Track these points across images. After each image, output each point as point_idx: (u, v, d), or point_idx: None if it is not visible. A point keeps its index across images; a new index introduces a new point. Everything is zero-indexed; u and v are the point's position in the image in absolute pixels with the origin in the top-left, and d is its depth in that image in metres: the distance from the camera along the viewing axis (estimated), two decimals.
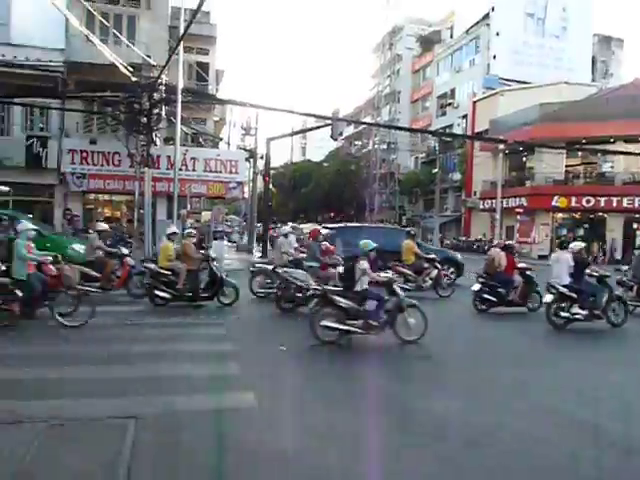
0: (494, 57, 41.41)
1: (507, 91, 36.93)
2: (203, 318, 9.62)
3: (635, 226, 30.08)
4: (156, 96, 17.36)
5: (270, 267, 11.44)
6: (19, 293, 7.96)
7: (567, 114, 28.87)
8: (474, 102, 39.28)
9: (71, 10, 17.40)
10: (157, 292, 10.19)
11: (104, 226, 12.02)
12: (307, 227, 34.48)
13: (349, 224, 24.05)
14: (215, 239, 21.04)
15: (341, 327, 7.56)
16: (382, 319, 7.68)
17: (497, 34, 41.32)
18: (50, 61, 20.06)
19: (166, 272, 10.23)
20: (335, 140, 25.43)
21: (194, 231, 12.01)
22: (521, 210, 31.24)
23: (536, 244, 30.89)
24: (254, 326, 9.44)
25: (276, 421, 4.80)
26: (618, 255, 28.64)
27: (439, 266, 13.23)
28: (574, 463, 4.14)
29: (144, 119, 17.84)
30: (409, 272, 12.73)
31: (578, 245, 10.12)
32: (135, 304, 10.45)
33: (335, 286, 9.48)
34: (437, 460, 4.12)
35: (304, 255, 11.50)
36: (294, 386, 5.80)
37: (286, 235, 12.05)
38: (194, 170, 22.68)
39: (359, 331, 7.61)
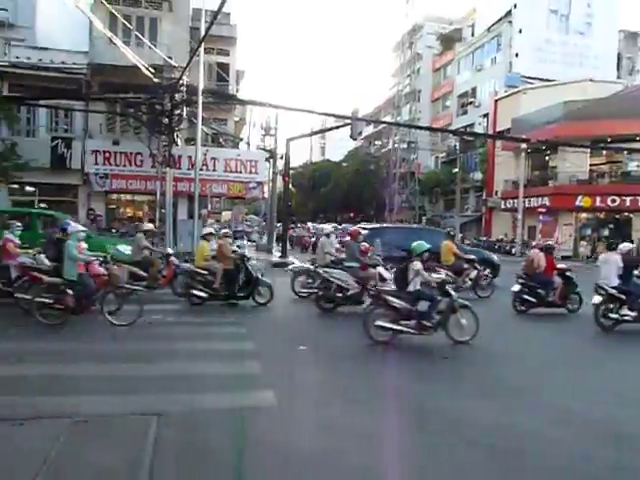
0: (516, 55, 40.86)
1: (530, 89, 36.37)
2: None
3: None
4: (177, 97, 17.55)
5: (312, 267, 11.50)
6: (70, 292, 8.14)
7: (592, 112, 28.32)
8: (496, 101, 38.81)
9: (95, 13, 17.69)
10: (194, 291, 10.36)
11: (150, 226, 12.30)
12: (326, 227, 34.55)
13: (385, 224, 23.95)
14: (235, 239, 21.18)
15: (395, 327, 7.64)
16: (435, 320, 7.72)
17: (519, 31, 40.75)
18: (74, 63, 20.43)
19: (203, 272, 10.41)
20: (354, 140, 25.35)
21: (229, 231, 12.20)
22: (544, 210, 30.76)
23: (559, 245, 30.39)
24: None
25: (296, 420, 4.80)
26: None
27: (478, 267, 13.11)
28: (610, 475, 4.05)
29: (166, 120, 18.05)
30: (449, 273, 12.65)
31: (627, 246, 10.04)
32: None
33: (375, 286, 9.65)
34: (459, 463, 4.08)
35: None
36: (314, 385, 5.81)
37: (328, 235, 12.04)
38: (214, 170, 22.86)
39: (412, 331, 7.65)
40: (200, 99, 16.41)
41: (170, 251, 11.95)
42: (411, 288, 7.76)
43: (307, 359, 6.96)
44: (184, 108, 18.09)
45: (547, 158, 33.99)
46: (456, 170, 39.64)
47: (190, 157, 20.48)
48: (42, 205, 20.54)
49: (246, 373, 6.08)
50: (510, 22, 41.20)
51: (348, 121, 19.23)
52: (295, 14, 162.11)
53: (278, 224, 26.95)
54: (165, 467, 3.77)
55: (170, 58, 19.30)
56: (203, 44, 14.88)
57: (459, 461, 4.11)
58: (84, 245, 8.98)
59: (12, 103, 18.36)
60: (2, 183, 19.19)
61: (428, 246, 8.11)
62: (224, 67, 26.11)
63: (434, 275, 8.16)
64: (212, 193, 22.49)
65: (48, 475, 3.56)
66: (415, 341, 7.99)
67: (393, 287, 8.50)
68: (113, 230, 20.98)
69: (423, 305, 7.69)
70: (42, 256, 9.49)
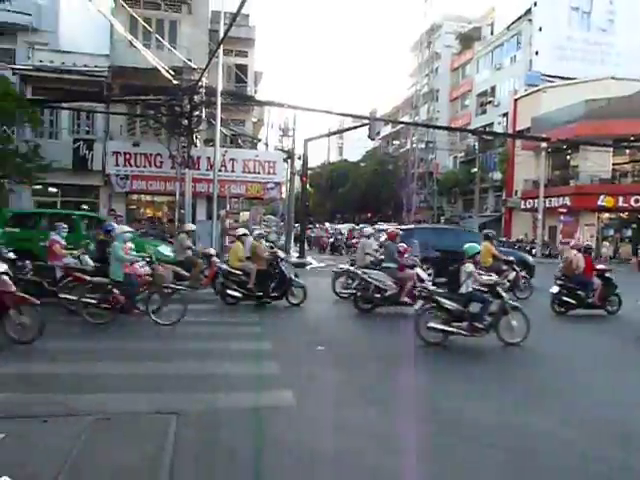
0: (536, 53, 40.32)
1: (550, 88, 35.87)
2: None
3: None
4: (196, 99, 17.69)
5: (351, 268, 11.54)
6: (116, 292, 8.31)
7: (614, 110, 27.83)
8: (515, 100, 38.37)
9: (116, 16, 17.93)
10: (229, 291, 10.51)
11: (192, 227, 12.51)
12: (344, 227, 34.55)
13: (421, 225, 23.81)
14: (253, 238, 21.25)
15: (447, 329, 7.67)
16: (487, 321, 7.73)
17: (540, 29, 40.20)
18: (96, 66, 20.78)
19: (237, 272, 10.55)
20: (372, 140, 25.31)
21: (264, 232, 12.34)
22: (564, 210, 30.33)
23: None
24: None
25: (314, 420, 4.82)
26: None
27: (517, 268, 13.01)
28: None
29: (185, 121, 18.22)
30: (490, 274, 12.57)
31: None
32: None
33: (414, 287, 9.91)
34: (475, 465, 4.05)
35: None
36: (333, 385, 5.81)
37: (368, 236, 12.06)
38: (233, 171, 23.01)
39: (464, 333, 7.68)
40: (219, 100, 16.52)
41: (212, 251, 12.09)
42: (463, 290, 7.80)
43: (328, 359, 6.96)
44: (203, 109, 18.23)
45: (568, 157, 33.50)
46: (475, 170, 39.31)
47: (209, 158, 20.64)
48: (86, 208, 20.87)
49: (266, 373, 6.11)
50: (530, 20, 40.68)
51: (366, 121, 19.21)
52: (313, 15, 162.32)
53: (296, 224, 27.04)
54: (185, 466, 3.81)
55: (189, 60, 19.47)
56: (222, 46, 14.99)
57: (476, 464, 4.08)
58: (130, 245, 9.17)
59: (36, 106, 18.71)
60: (26, 184, 19.56)
61: (479, 248, 8.21)
62: (242, 68, 26.26)
63: (485, 277, 8.09)
64: (230, 194, 22.60)
65: (70, 472, 3.62)
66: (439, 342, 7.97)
67: (432, 288, 8.68)
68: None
69: (475, 307, 7.71)
70: (86, 257, 9.78)
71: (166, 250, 13.23)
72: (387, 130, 58.65)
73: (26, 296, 6.97)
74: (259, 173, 23.61)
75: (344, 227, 34.69)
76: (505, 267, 12.77)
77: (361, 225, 36.08)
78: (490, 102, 44.30)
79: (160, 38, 19.51)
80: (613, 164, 31.02)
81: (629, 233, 29.92)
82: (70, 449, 3.90)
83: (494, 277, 8.29)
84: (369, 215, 54.85)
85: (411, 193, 49.71)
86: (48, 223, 13.23)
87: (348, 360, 6.99)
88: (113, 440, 4.19)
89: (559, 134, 26.65)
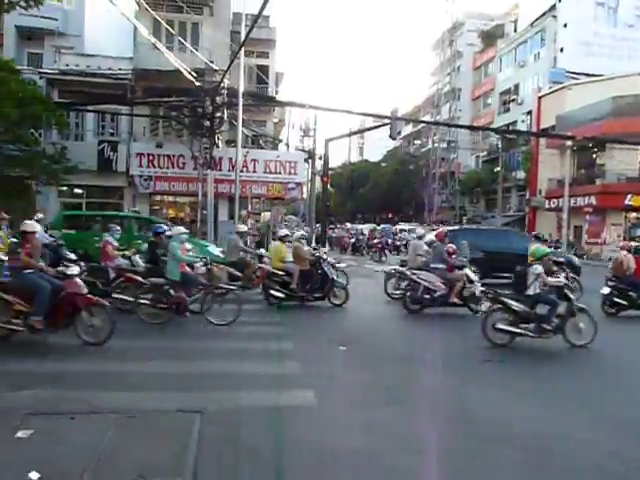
0: (561, 50, 39.66)
1: (575, 85, 35.23)
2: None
3: None
4: (218, 100, 17.83)
5: (402, 269, 11.53)
6: (173, 293, 8.43)
7: None
8: (539, 97, 37.78)
9: (139, 19, 18.18)
10: (271, 292, 10.63)
11: (244, 228, 12.66)
12: (365, 227, 34.45)
13: (467, 226, 23.64)
14: (274, 239, 21.35)
15: (514, 330, 7.68)
16: (554, 323, 7.72)
17: (564, 25, 39.52)
18: (120, 69, 21.10)
19: (280, 272, 10.66)
20: (394, 139, 25.17)
21: (306, 234, 12.46)
22: (590, 209, 29.75)
23: (607, 245, 29.34)
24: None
25: (336, 420, 4.81)
26: None
27: (567, 269, 12.85)
28: None
29: (207, 122, 18.37)
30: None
31: None
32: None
33: (463, 288, 10.04)
34: (496, 467, 4.00)
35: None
36: (355, 386, 5.80)
37: (420, 237, 12.03)
38: (254, 171, 23.13)
39: (531, 335, 7.67)
40: (240, 101, 16.62)
41: (264, 252, 12.21)
42: (531, 291, 7.78)
43: (354, 359, 6.96)
44: (225, 110, 18.37)
45: (594, 156, 32.85)
46: (498, 169, 38.84)
47: (231, 159, 20.78)
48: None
49: (291, 373, 6.15)
50: (554, 16, 40.04)
51: (387, 121, 19.12)
52: (334, 14, 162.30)
53: (317, 225, 27.05)
54: (208, 464, 3.84)
55: (211, 62, 19.63)
56: (243, 47, 15.07)
57: (497, 466, 4.05)
58: (188, 246, 9.34)
59: (62, 109, 19.07)
60: (53, 185, 19.97)
61: (548, 250, 8.26)
62: (264, 69, 26.37)
63: (551, 279, 8.03)
64: (252, 194, 22.74)
65: (96, 469, 3.67)
66: (460, 344, 7.92)
67: (482, 289, 9.25)
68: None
69: (542, 308, 7.70)
70: (137, 257, 9.97)
71: (215, 250, 13.45)
72: (408, 130, 58.29)
73: (97, 298, 7.07)
74: (280, 173, 23.68)
75: (365, 227, 34.58)
76: (555, 268, 12.55)
77: (382, 225, 35.93)
78: (513, 100, 43.73)
79: (182, 40, 19.73)
80: None
81: None
82: (96, 446, 3.96)
83: (562, 279, 8.22)
84: (390, 215, 54.64)
85: (432, 193, 49.37)
86: (102, 225, 13.62)
87: (374, 360, 6.96)
88: (138, 438, 4.23)
89: (585, 132, 26.16)
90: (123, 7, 15.04)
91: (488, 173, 43.78)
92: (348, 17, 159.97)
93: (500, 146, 40.83)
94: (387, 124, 19.01)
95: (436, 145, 51.50)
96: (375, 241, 25.88)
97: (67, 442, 4.05)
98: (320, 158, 24.54)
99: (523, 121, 41.65)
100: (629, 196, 28.88)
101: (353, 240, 29.84)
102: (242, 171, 20.19)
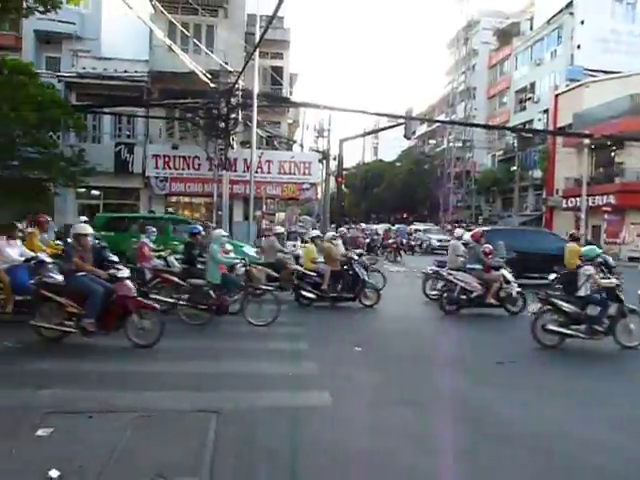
0: (578, 47, 39.14)
1: (593, 82, 34.75)
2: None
3: None
4: (233, 101, 17.94)
5: (439, 270, 11.49)
6: (213, 294, 8.51)
7: None
8: (556, 95, 37.34)
9: (155, 22, 18.36)
10: (303, 292, 10.69)
11: (281, 229, 12.72)
12: (380, 227, 34.36)
13: (500, 227, 23.49)
14: (289, 240, 21.41)
15: (565, 331, 7.66)
16: (605, 324, 7.68)
17: (582, 22, 38.99)
18: (136, 72, 21.33)
19: (311, 273, 10.73)
20: (408, 139, 25.11)
21: (338, 234, 12.55)
22: (609, 209, 29.32)
23: (626, 245, 28.90)
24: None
25: (351, 420, 4.82)
26: None
27: (605, 270, 12.70)
28: None
29: (222, 124, 18.50)
30: None
31: None
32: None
33: (500, 289, 10.09)
34: (512, 468, 3.98)
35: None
36: (371, 386, 5.79)
37: (459, 238, 12.02)
38: (269, 172, 23.23)
39: (582, 336, 7.64)
40: (255, 102, 16.71)
41: (301, 253, 12.27)
42: (582, 292, 7.75)
43: (372, 360, 6.96)
44: (239, 112, 18.48)
45: (613, 154, 32.38)
46: (514, 168, 38.47)
47: (245, 160, 20.90)
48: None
49: (313, 374, 6.17)
50: (571, 13, 39.53)
51: (402, 120, 19.09)
52: (348, 14, 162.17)
53: (332, 225, 27.07)
54: (225, 463, 3.86)
55: (226, 63, 19.76)
56: (258, 48, 15.14)
57: (513, 467, 4.02)
58: (229, 247, 9.49)
59: (80, 111, 19.34)
60: (71, 187, 20.26)
61: (599, 251, 8.25)
62: (278, 70, 26.46)
63: (604, 280, 7.97)
64: (267, 195, 22.86)
65: (114, 467, 3.72)
66: (482, 345, 7.93)
67: (518, 289, 9.77)
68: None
69: (592, 309, 7.66)
70: (172, 258, 10.10)
71: (250, 250, 13.60)
72: (423, 129, 57.99)
73: (147, 301, 7.14)
74: (295, 174, 23.75)
75: (380, 227, 34.49)
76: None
77: (397, 225, 35.79)
78: (529, 99, 43.26)
79: (197, 42, 19.89)
80: None
81: None
82: (114, 444, 4.01)
83: (614, 280, 8.13)
84: (404, 215, 54.43)
85: (448, 193, 49.07)
86: (139, 226, 13.95)
87: (392, 361, 6.95)
88: (154, 437, 4.27)
89: (603, 130, 25.79)
90: (139, 10, 15.19)
91: (504, 172, 43.38)
92: (362, 17, 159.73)
93: (516, 145, 40.43)
94: (402, 124, 18.99)
95: (451, 144, 51.18)
96: (390, 241, 25.80)
97: (86, 441, 4.10)
98: (334, 158, 24.60)
99: (539, 120, 41.22)
100: None
101: (368, 240, 29.77)
102: (257, 172, 20.30)
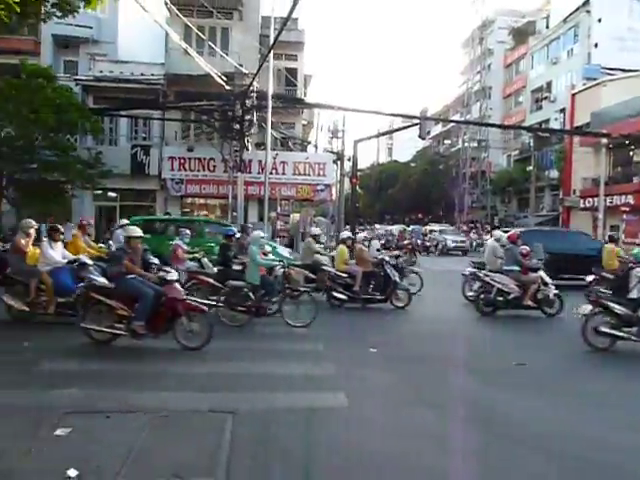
0: (595, 45, 38.63)
1: (610, 81, 34.25)
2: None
3: None
4: (248, 103, 18.03)
5: (477, 271, 11.44)
6: (252, 296, 8.57)
7: None
8: (573, 94, 36.87)
9: (170, 25, 18.52)
10: (334, 294, 10.71)
11: (318, 231, 12.82)
12: (395, 228, 34.25)
13: (535, 228, 23.33)
14: (302, 240, 21.43)
15: (617, 334, 7.61)
16: None
17: (599, 21, 38.48)
18: (152, 75, 21.53)
19: (343, 275, 10.75)
20: (423, 139, 25.00)
21: (369, 236, 12.61)
22: (628, 208, 28.87)
23: None
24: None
25: (368, 421, 4.82)
26: None
27: None
28: None
29: (237, 126, 18.61)
30: (611, 277, 12.11)
31: None
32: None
33: (538, 290, 10.10)
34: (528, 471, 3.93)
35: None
36: (388, 387, 5.79)
37: (498, 239, 11.92)
38: (284, 174, 23.29)
39: (634, 338, 7.58)
40: (269, 104, 16.77)
41: (335, 254, 12.33)
42: (634, 295, 7.70)
43: (389, 361, 6.96)
44: (254, 113, 18.56)
45: (631, 153, 31.88)
46: (530, 168, 38.09)
47: (260, 161, 20.99)
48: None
49: (326, 374, 6.19)
50: (588, 11, 39.03)
51: (416, 121, 19.00)
52: (362, 15, 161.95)
53: (346, 226, 27.03)
54: (241, 464, 3.87)
55: (241, 65, 19.87)
56: (272, 50, 15.19)
57: (529, 469, 3.98)
58: (268, 248, 9.55)
59: (97, 114, 19.58)
60: (88, 189, 20.51)
61: None
62: (292, 72, 26.55)
63: None
64: (281, 196, 22.92)
65: (132, 466, 3.75)
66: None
67: (555, 291, 9.91)
68: None
69: None
70: (206, 260, 10.23)
71: (284, 252, 13.71)
72: (438, 129, 57.72)
73: (196, 304, 7.20)
74: (309, 175, 23.78)
75: (395, 228, 34.37)
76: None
77: (412, 226, 35.64)
78: (546, 98, 42.79)
79: (213, 45, 20.03)
80: None
81: None
82: (131, 444, 4.04)
83: None
84: (419, 216, 54.18)
85: (463, 193, 48.72)
86: (175, 229, 14.11)
87: (408, 362, 6.93)
88: (171, 437, 4.30)
89: (620, 129, 25.40)
90: (155, 14, 15.34)
91: (520, 172, 42.96)
92: (376, 17, 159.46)
93: (532, 145, 40.03)
94: (416, 124, 18.91)
95: (466, 144, 50.81)
96: (405, 242, 25.68)
97: (103, 440, 4.15)
98: (349, 159, 24.54)
99: (556, 119, 40.73)
100: None
101: (383, 241, 29.70)
102: (271, 173, 20.36)
